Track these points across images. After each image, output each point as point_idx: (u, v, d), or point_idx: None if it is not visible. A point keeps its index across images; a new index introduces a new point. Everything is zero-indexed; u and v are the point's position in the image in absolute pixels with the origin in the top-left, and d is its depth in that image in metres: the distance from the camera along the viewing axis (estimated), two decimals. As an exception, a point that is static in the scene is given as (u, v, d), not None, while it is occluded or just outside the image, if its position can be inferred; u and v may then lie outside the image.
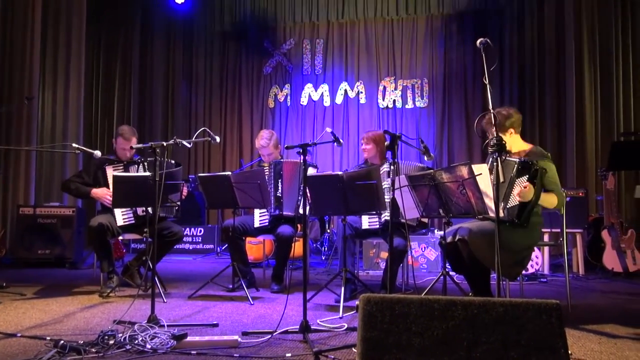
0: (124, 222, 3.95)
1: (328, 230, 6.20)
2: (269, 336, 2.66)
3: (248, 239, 4.91)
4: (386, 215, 3.71)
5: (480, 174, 2.81)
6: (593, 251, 4.99)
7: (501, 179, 2.40)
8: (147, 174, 3.71)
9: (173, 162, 3.90)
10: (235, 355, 2.36)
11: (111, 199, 3.81)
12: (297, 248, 4.84)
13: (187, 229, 6.53)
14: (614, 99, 6.09)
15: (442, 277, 3.27)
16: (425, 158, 3.62)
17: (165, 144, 3.16)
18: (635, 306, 3.64)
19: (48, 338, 2.53)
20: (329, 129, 3.43)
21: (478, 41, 2.64)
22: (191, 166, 7.83)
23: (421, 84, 7.29)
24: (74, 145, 3.63)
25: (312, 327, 2.76)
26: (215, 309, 3.40)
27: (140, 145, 3.38)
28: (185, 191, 3.96)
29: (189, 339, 2.49)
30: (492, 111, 2.56)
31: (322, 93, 7.57)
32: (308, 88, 7.61)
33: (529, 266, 4.61)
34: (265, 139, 4.25)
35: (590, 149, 6.18)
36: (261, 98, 7.79)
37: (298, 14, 7.59)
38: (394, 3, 7.29)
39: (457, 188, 2.91)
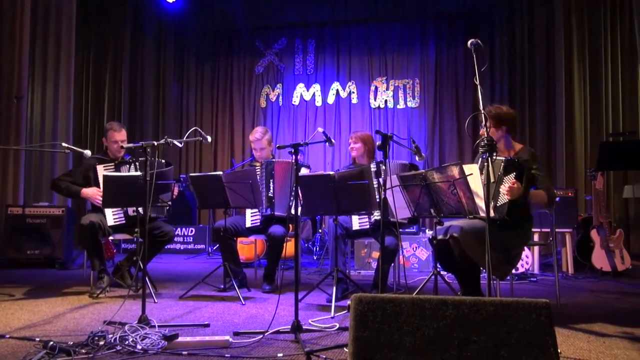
0: (115, 222, 3.93)
1: (320, 230, 6.20)
2: (261, 336, 2.65)
3: (239, 239, 4.90)
4: (376, 216, 3.72)
5: (471, 174, 2.83)
6: (582, 251, 5.04)
7: (492, 179, 2.41)
8: (138, 173, 3.69)
9: (163, 161, 3.88)
10: (226, 355, 2.35)
11: (101, 199, 3.78)
12: (289, 248, 4.84)
13: (178, 229, 6.50)
14: (603, 100, 6.15)
15: (433, 277, 3.28)
16: (417, 158, 3.64)
17: (156, 143, 3.15)
18: (624, 305, 3.67)
19: (37, 339, 2.51)
20: (320, 129, 3.44)
21: (469, 42, 2.66)
22: (182, 166, 7.80)
23: (413, 84, 7.32)
24: (63, 144, 3.60)
25: (303, 327, 2.75)
26: (207, 309, 3.39)
27: (131, 145, 3.37)
28: (176, 191, 3.95)
29: (180, 339, 2.48)
30: (482, 111, 2.58)
31: (314, 93, 7.57)
32: (300, 88, 7.61)
33: (519, 265, 4.65)
34: (259, 132, 4.29)
35: (580, 150, 6.24)
36: (253, 98, 7.78)
37: (290, 14, 7.58)
38: (386, 3, 7.31)
39: (448, 188, 2.93)
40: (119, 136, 4.07)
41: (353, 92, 7.47)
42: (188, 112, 7.91)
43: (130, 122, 7.46)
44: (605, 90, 6.14)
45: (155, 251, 4.09)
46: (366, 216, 3.84)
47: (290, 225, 4.04)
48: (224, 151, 7.78)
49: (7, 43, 5.68)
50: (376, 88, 7.40)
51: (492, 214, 2.81)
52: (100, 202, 3.82)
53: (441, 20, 7.30)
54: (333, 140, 3.47)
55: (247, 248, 5.49)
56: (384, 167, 2.90)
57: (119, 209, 3.94)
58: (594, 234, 4.90)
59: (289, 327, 2.71)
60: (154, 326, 2.74)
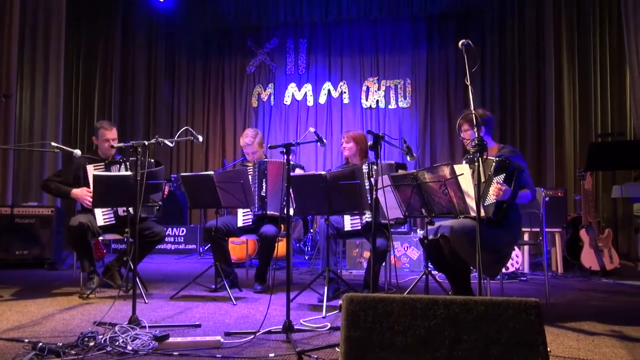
0: (105, 222, 3.91)
1: (311, 230, 6.20)
2: (252, 336, 2.65)
3: (231, 239, 4.88)
4: (368, 217, 3.73)
5: (462, 174, 2.84)
6: (571, 250, 5.08)
7: (482, 179, 2.43)
8: (129, 173, 3.67)
9: (152, 160, 3.86)
10: (217, 356, 2.34)
11: (91, 199, 3.75)
12: (280, 248, 4.83)
13: (169, 229, 6.47)
14: (592, 101, 6.21)
15: (424, 277, 3.30)
16: (408, 158, 3.65)
17: (147, 143, 3.13)
18: (612, 304, 3.71)
19: (26, 340, 2.48)
20: (312, 129, 3.44)
21: (460, 42, 2.67)
22: (173, 166, 7.76)
23: (404, 84, 7.34)
24: (53, 144, 3.57)
25: (295, 327, 2.75)
26: (198, 309, 3.37)
27: (121, 145, 3.34)
28: (166, 190, 3.93)
29: (170, 340, 2.47)
30: (472, 111, 2.59)
31: (306, 93, 7.57)
32: (291, 88, 7.60)
33: (509, 265, 4.68)
34: (250, 136, 4.25)
35: (569, 150, 6.31)
36: (244, 97, 7.76)
37: (282, 13, 7.57)
38: (378, 3, 7.32)
39: (440, 188, 2.94)
40: (110, 134, 4.04)
41: (345, 92, 7.48)
42: (179, 112, 7.87)
43: (121, 122, 7.40)
44: (594, 91, 6.21)
45: (146, 251, 4.06)
46: (358, 217, 3.85)
47: (282, 225, 4.04)
48: (215, 151, 7.76)
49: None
50: (368, 88, 7.41)
51: (482, 213, 2.83)
52: (90, 203, 3.79)
53: (432, 21, 7.33)
54: (324, 140, 3.47)
55: (239, 248, 5.48)
56: (375, 167, 2.91)
57: (109, 209, 3.92)
58: (583, 233, 4.94)
59: (281, 327, 2.71)
60: (145, 327, 2.72)
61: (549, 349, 1.57)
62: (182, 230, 6.62)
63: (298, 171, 4.10)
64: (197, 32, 7.84)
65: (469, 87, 2.56)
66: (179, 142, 7.51)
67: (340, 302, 3.21)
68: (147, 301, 3.54)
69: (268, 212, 4.04)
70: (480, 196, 2.48)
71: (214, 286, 3.98)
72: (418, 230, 5.58)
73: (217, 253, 4.06)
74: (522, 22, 6.84)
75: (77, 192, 3.94)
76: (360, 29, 7.51)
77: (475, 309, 1.58)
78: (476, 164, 2.46)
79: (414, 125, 7.29)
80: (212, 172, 3.86)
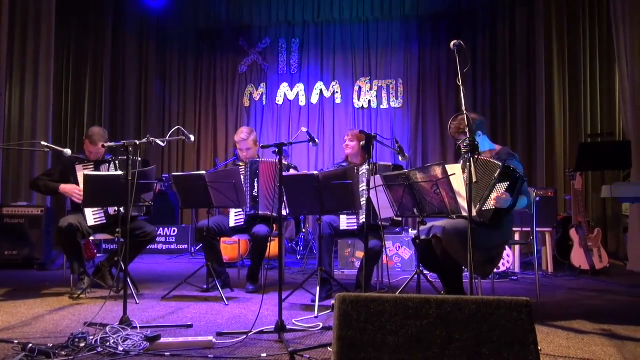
0: (95, 222, 3.88)
1: (303, 230, 6.20)
2: (244, 336, 2.64)
3: (223, 238, 4.87)
4: (363, 219, 3.73)
5: (454, 174, 2.85)
6: (561, 249, 5.13)
7: (474, 179, 2.44)
8: (119, 172, 3.65)
9: (139, 159, 3.83)
10: (210, 356, 2.34)
11: (80, 194, 3.73)
12: (273, 248, 4.83)
13: (161, 228, 6.44)
14: (582, 102, 6.27)
15: (416, 276, 3.31)
16: (400, 158, 3.66)
17: (138, 142, 3.11)
18: (602, 303, 3.75)
19: (16, 341, 2.46)
20: (304, 129, 3.44)
21: (452, 43, 2.68)
22: (165, 165, 7.72)
23: (396, 84, 7.36)
24: (42, 143, 3.54)
25: (287, 326, 2.76)
26: (190, 309, 3.36)
27: (112, 144, 3.31)
28: (157, 189, 3.91)
29: (162, 340, 2.46)
30: (464, 112, 2.60)
31: (298, 92, 7.56)
32: (284, 87, 7.60)
33: (500, 264, 4.71)
34: (245, 132, 4.28)
35: (559, 150, 6.36)
36: (236, 97, 7.74)
37: (274, 13, 7.55)
38: (370, 4, 7.34)
39: (431, 188, 2.95)
40: (94, 149, 4.00)
41: (337, 92, 7.48)
42: (170, 111, 7.82)
43: (112, 121, 7.35)
44: (584, 92, 6.28)
45: (137, 251, 4.04)
46: (355, 217, 3.85)
47: (274, 225, 4.04)
48: (207, 150, 7.73)
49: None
50: (360, 88, 7.42)
51: (474, 213, 2.84)
52: (79, 198, 3.76)
53: (424, 22, 7.36)
54: (317, 140, 3.47)
55: (231, 248, 5.46)
56: (369, 168, 2.92)
57: (99, 208, 3.89)
58: (573, 233, 4.99)
59: (273, 327, 2.71)
60: (136, 327, 2.71)
61: (539, 348, 1.58)
62: (174, 230, 6.59)
63: (292, 172, 4.10)
64: (188, 31, 7.81)
65: (461, 87, 2.58)
66: (171, 142, 7.46)
67: (332, 301, 3.21)
68: (138, 301, 3.52)
69: (260, 212, 4.04)
70: (472, 196, 2.48)
71: (205, 286, 3.96)
72: (410, 230, 5.60)
73: (208, 253, 4.05)
74: (513, 23, 6.89)
75: (65, 187, 3.91)
76: (352, 29, 7.51)
77: (467, 308, 1.59)
78: (468, 164, 2.47)
79: (405, 125, 7.31)
80: (204, 172, 3.85)
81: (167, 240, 6.57)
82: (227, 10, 7.60)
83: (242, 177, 3.95)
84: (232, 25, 7.69)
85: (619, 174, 5.78)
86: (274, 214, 3.91)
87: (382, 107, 7.38)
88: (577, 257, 4.93)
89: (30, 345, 2.26)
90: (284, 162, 2.89)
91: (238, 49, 7.75)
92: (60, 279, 4.47)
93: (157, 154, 7.54)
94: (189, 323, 2.92)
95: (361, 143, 2.99)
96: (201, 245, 4.62)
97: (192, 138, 3.49)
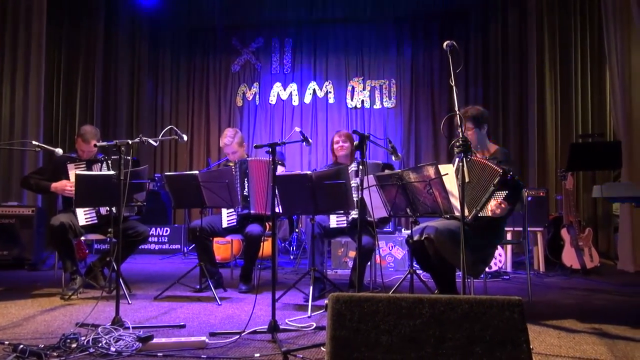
0: (87, 222, 3.86)
1: (296, 230, 6.19)
2: (237, 336, 2.64)
3: (215, 238, 4.86)
4: (354, 214, 3.74)
5: (447, 174, 2.86)
6: (553, 249, 5.16)
7: (467, 179, 2.45)
8: (111, 172, 3.63)
9: (129, 158, 3.81)
10: (202, 356, 2.33)
11: (72, 188, 3.70)
12: (266, 247, 4.82)
13: (153, 228, 6.41)
14: (573, 102, 6.32)
15: (409, 276, 3.32)
16: (393, 158, 3.67)
17: (131, 142, 3.10)
18: (593, 302, 3.78)
19: (7, 342, 2.44)
20: (297, 129, 3.44)
21: (445, 44, 2.69)
22: (157, 165, 7.69)
23: (389, 84, 7.37)
24: (33, 142, 3.51)
25: (280, 326, 2.75)
26: (182, 310, 3.35)
27: (104, 143, 3.29)
28: (148, 188, 3.90)
29: (155, 340, 2.44)
30: (458, 112, 2.61)
31: (291, 92, 7.56)
32: (277, 87, 7.59)
33: (492, 264, 4.74)
34: (229, 137, 4.23)
35: (551, 150, 6.41)
36: (229, 96, 7.72)
37: (267, 13, 7.55)
38: (363, 4, 7.35)
39: (424, 188, 2.96)
40: (86, 147, 3.98)
41: (330, 92, 7.48)
42: (163, 111, 7.79)
43: (104, 120, 7.30)
44: (575, 92, 6.33)
45: (129, 251, 4.02)
46: (344, 215, 3.85)
47: (267, 224, 4.03)
48: (199, 150, 7.70)
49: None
50: (353, 88, 7.43)
51: (466, 212, 2.85)
52: (71, 191, 3.73)
53: (417, 22, 7.37)
54: (310, 140, 3.47)
55: (223, 248, 5.45)
56: (362, 168, 2.92)
57: (91, 208, 3.87)
58: (564, 232, 5.02)
59: (266, 327, 2.71)
60: (128, 328, 2.70)
61: (531, 347, 1.59)
62: (166, 230, 6.57)
63: (279, 168, 4.09)
64: (181, 31, 7.78)
65: (454, 87, 2.58)
66: (163, 141, 7.44)
67: (325, 301, 3.21)
68: (130, 302, 3.51)
69: (252, 212, 4.02)
70: (464, 196, 2.49)
71: (198, 286, 3.95)
72: (403, 230, 5.61)
73: (201, 253, 4.03)
74: (505, 24, 6.92)
75: (57, 185, 3.89)
76: (345, 29, 7.52)
77: (459, 307, 1.60)
78: (460, 164, 2.47)
79: (398, 125, 7.33)
80: (196, 172, 3.84)
81: (160, 240, 6.54)
82: (220, 9, 7.57)
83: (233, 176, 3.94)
84: (225, 24, 7.67)
85: (610, 174, 5.83)
86: (266, 212, 3.91)
87: (375, 107, 7.40)
88: (569, 257, 4.97)
89: (22, 346, 2.24)
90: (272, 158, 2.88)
91: (231, 48, 7.73)
92: (51, 279, 4.44)
93: (150, 154, 7.51)
94: (182, 323, 2.91)
95: (355, 143, 2.99)
96: (194, 245, 4.61)
97: (185, 138, 3.47)
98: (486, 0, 7.03)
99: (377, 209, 3.20)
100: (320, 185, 3.38)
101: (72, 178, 3.76)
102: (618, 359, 2.36)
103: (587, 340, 2.64)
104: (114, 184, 3.15)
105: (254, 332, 2.72)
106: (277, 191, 3.13)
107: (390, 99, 7.35)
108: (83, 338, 2.43)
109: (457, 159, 3.05)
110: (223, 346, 2.51)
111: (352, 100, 7.42)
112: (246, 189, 4.05)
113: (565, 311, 3.36)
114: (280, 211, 3.56)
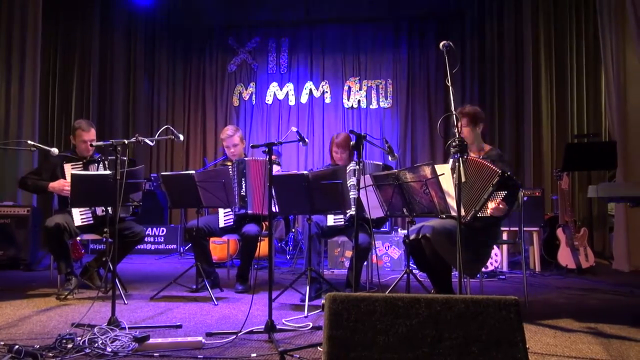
0: (82, 222, 3.84)
1: (293, 230, 6.19)
2: (234, 337, 2.64)
3: (212, 238, 4.85)
4: (351, 212, 3.73)
5: (443, 174, 2.87)
6: (548, 249, 5.18)
7: (463, 179, 2.45)
8: (108, 172, 3.62)
9: (125, 158, 3.80)
10: (199, 356, 2.33)
11: (69, 189, 3.69)
12: (262, 247, 4.80)
13: (149, 228, 6.39)
14: (569, 103, 6.35)
15: (405, 275, 3.32)
16: (390, 158, 3.67)
17: (127, 141, 3.09)
18: (588, 301, 3.80)
19: (2, 343, 2.43)
20: (294, 129, 3.44)
21: (441, 44, 2.70)
22: (153, 165, 7.67)
23: (385, 84, 7.38)
24: (29, 142, 3.50)
25: (277, 326, 2.75)
26: (179, 310, 3.34)
27: (100, 143, 3.28)
28: (144, 188, 3.89)
29: (151, 341, 2.44)
30: (454, 112, 2.62)
31: (287, 92, 7.55)
32: (273, 87, 7.58)
33: (488, 264, 4.74)
34: (231, 129, 4.29)
35: (547, 150, 6.43)
36: (225, 96, 7.71)
37: (263, 13, 7.54)
38: (359, 4, 7.35)
39: (421, 187, 2.97)
40: (87, 136, 3.98)
41: (326, 92, 7.48)
42: (159, 110, 7.76)
43: (99, 120, 7.27)
44: (571, 93, 6.36)
45: (125, 252, 4.02)
46: (341, 213, 3.85)
47: (264, 224, 4.03)
48: (196, 150, 7.69)
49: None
50: (349, 88, 7.44)
51: (463, 212, 2.85)
52: (69, 192, 3.71)
53: (413, 22, 7.38)
54: (306, 140, 3.47)
55: (220, 248, 5.44)
56: (358, 167, 2.93)
57: (87, 208, 3.86)
58: (559, 232, 5.04)
59: (263, 327, 2.71)
60: (124, 328, 2.69)
61: (527, 346, 1.60)
62: (163, 230, 6.55)
63: (276, 168, 4.08)
64: (177, 30, 7.76)
65: (450, 87, 2.59)
66: (159, 141, 7.41)
67: (322, 301, 3.21)
68: (126, 302, 3.50)
69: (250, 211, 4.02)
70: (460, 195, 2.50)
71: (195, 286, 3.94)
72: (399, 230, 5.62)
73: (198, 253, 4.03)
74: (501, 25, 6.94)
75: (54, 184, 3.88)
76: (342, 29, 7.52)
77: (456, 307, 1.60)
78: (457, 164, 2.48)
79: (395, 125, 7.34)
80: (193, 172, 3.83)
81: (156, 240, 6.52)
82: (217, 9, 7.56)
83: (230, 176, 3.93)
84: (221, 24, 7.66)
85: (605, 174, 5.86)
86: (263, 212, 3.90)
87: (371, 107, 7.40)
88: (564, 256, 4.99)
89: (17, 346, 2.23)
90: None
91: (227, 48, 7.72)
92: (47, 280, 4.42)
93: (146, 154, 7.49)
94: (178, 323, 2.91)
95: (351, 143, 2.99)
96: (190, 245, 4.60)
97: (181, 137, 3.47)
98: (482, 1, 7.05)
99: (374, 209, 3.20)
100: (317, 185, 3.38)
101: (69, 178, 3.75)
102: (613, 358, 2.37)
103: (583, 340, 2.65)
104: (110, 184, 3.14)
105: (251, 332, 2.72)
106: (273, 191, 3.13)
107: (386, 99, 7.36)
108: (79, 338, 2.42)
109: (452, 159, 3.07)
110: (219, 346, 2.51)
111: (348, 100, 7.43)
112: (244, 189, 4.04)
113: (561, 310, 3.37)
114: (277, 211, 3.56)
